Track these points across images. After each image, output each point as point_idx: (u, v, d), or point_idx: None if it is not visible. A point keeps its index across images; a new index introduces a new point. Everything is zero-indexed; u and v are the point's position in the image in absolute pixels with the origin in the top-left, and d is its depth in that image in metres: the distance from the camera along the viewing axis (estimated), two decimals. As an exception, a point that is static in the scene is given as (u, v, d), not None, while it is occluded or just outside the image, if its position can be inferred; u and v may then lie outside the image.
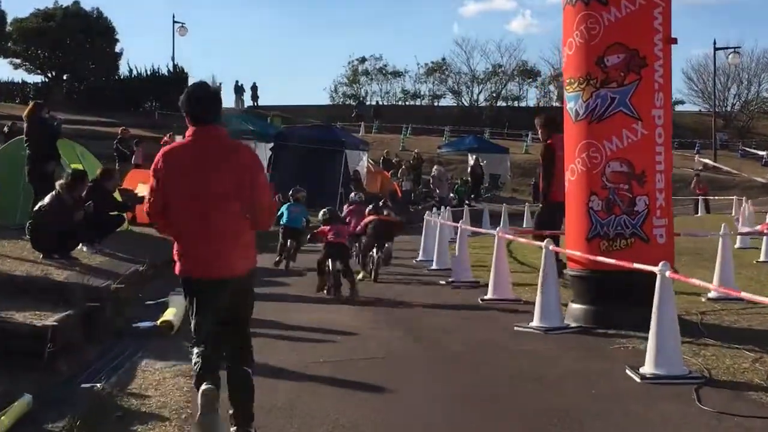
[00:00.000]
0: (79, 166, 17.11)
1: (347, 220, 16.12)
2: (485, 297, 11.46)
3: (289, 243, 16.67)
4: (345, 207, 17.70)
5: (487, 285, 12.46)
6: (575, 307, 9.59)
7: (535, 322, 9.30)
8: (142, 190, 23.27)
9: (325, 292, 12.56)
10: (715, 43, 54.01)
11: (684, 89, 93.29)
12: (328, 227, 13.30)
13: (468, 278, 13.46)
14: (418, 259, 17.72)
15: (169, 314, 9.51)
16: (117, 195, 18.32)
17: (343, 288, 12.35)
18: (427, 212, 20.11)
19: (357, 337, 9.14)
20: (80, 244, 13.40)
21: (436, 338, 9.05)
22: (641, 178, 9.25)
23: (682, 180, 50.03)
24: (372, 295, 12.37)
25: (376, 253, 14.50)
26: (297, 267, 16.24)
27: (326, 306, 11.43)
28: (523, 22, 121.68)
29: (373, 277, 14.29)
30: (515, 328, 9.37)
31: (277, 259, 16.73)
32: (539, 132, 13.55)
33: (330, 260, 12.62)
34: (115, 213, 14.95)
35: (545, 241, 9.36)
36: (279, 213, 16.68)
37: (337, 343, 8.87)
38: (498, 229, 11.49)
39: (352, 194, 19.28)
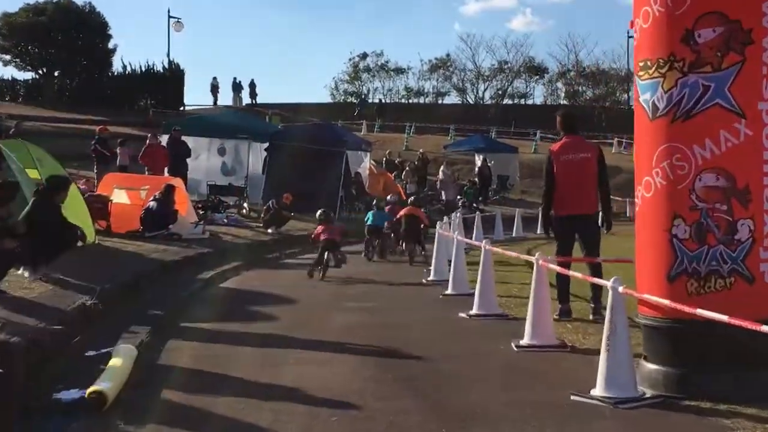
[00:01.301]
0: (35, 173, 14.78)
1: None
2: (522, 343, 8.98)
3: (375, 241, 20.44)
4: (386, 207, 21.79)
5: (517, 318, 10.18)
6: (652, 368, 7.12)
7: (600, 390, 6.82)
8: (118, 195, 20.94)
9: (310, 276, 15.77)
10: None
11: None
12: (321, 229, 16.56)
13: (494, 310, 11.02)
14: (429, 278, 15.31)
15: (105, 377, 7.06)
16: (83, 207, 16.01)
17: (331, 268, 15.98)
18: (438, 223, 17.69)
19: (358, 413, 6.65)
20: (21, 269, 11.01)
21: (466, 414, 6.59)
22: (744, 195, 6.79)
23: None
24: (376, 338, 9.90)
25: (416, 246, 19.17)
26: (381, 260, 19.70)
27: (318, 354, 8.92)
28: (524, 20, 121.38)
29: (410, 262, 18.68)
30: (573, 397, 6.90)
31: (364, 253, 20.25)
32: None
33: (325, 252, 16.05)
34: (72, 229, 12.45)
35: (612, 280, 6.87)
36: (366, 217, 21.19)
37: (330, 423, 6.41)
38: (537, 255, 9.00)
39: (389, 196, 24.22)
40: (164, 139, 27.01)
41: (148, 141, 25.78)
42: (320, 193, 28.05)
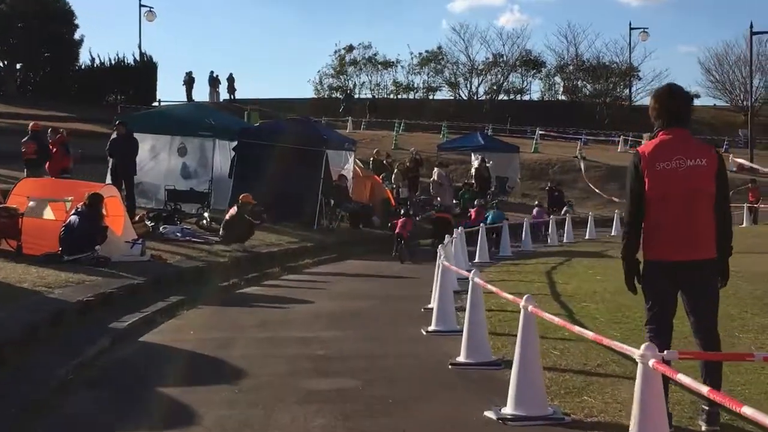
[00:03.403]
0: None
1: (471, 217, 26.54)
2: None
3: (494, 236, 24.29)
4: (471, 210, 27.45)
5: (581, 424, 6.29)
6: None
7: None
8: (37, 208, 16.58)
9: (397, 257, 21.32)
10: (751, 26, 47.21)
11: (701, 81, 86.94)
12: (399, 221, 22.48)
13: (542, 410, 6.85)
14: (430, 329, 11.19)
15: None
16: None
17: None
18: (439, 247, 13.53)
19: None
20: None
21: None
22: None
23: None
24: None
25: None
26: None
27: None
28: (512, 17, 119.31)
29: None
30: None
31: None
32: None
33: (396, 240, 21.90)
34: None
35: None
36: (486, 216, 25.81)
37: None
38: (645, 348, 4.81)
39: (476, 201, 29.10)
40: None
41: (56, 138, 21.71)
42: (296, 199, 24.19)
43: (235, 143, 25.87)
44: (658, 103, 6.55)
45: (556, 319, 6.38)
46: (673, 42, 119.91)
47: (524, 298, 6.93)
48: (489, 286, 8.59)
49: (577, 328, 5.89)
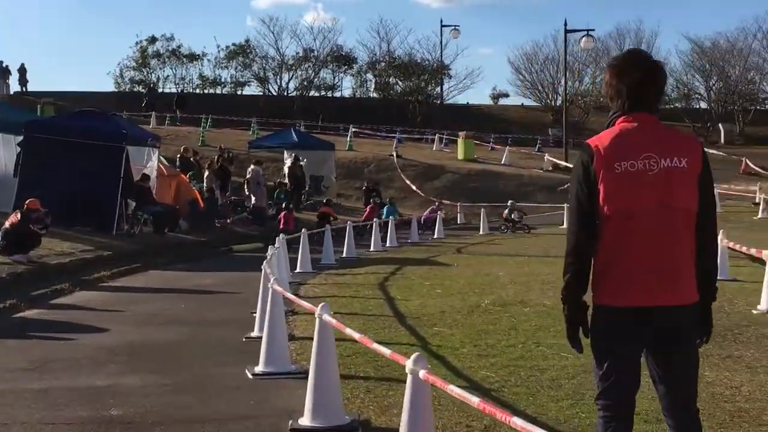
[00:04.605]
0: None
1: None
2: None
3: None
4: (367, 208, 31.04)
5: None
6: None
7: None
8: None
9: None
10: (566, 24, 46.97)
11: (510, 80, 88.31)
12: (281, 216, 26.33)
13: None
14: (257, 371, 8.84)
15: None
16: None
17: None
18: (264, 264, 11.15)
19: None
20: None
21: None
22: None
23: (533, 183, 43.32)
24: None
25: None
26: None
27: None
28: (316, 15, 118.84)
29: None
30: None
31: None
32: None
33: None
34: None
35: None
36: (381, 212, 30.24)
37: None
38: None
39: (372, 199, 33.25)
40: None
41: None
42: (92, 201, 21.52)
43: (21, 138, 22.79)
44: (615, 77, 4.45)
45: (475, 400, 4.18)
46: (482, 43, 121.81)
47: (412, 358, 4.76)
48: (350, 331, 6.32)
49: (519, 422, 3.74)
